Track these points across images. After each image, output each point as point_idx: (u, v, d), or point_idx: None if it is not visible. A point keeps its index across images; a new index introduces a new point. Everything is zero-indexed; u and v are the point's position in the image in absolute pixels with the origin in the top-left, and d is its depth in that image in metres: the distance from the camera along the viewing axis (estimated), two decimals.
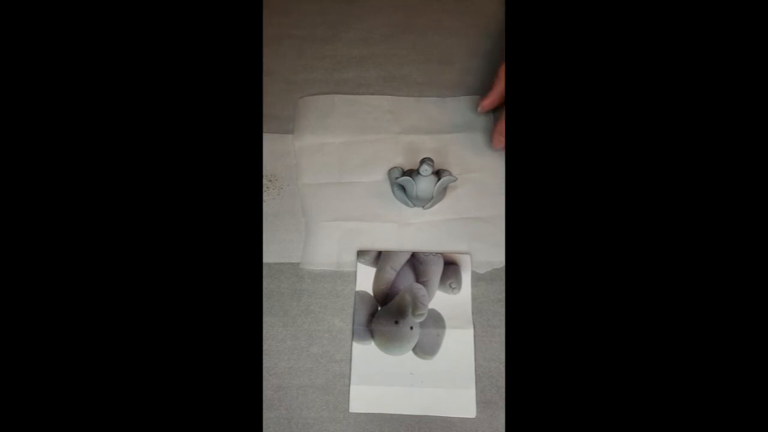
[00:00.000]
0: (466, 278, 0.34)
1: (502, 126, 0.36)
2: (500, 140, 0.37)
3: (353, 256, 0.35)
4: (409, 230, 0.36)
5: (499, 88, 0.37)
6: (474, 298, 0.33)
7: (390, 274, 0.34)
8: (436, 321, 0.32)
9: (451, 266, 0.34)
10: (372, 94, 0.41)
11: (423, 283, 0.33)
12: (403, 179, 0.34)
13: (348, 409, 0.30)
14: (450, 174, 0.34)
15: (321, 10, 0.45)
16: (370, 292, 0.33)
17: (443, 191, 0.36)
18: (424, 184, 0.33)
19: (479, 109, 0.38)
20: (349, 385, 0.31)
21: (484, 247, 0.35)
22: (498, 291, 0.33)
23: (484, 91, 0.41)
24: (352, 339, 0.32)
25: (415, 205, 0.36)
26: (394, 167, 0.37)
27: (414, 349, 0.32)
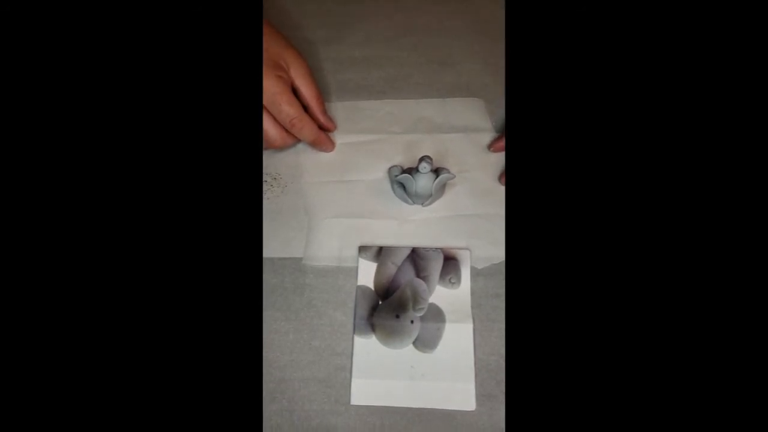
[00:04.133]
0: (466, 273, 0.34)
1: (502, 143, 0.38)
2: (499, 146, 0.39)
3: (355, 251, 0.35)
4: (409, 227, 0.36)
5: None
6: (473, 293, 0.34)
7: (391, 269, 0.34)
8: (436, 315, 0.33)
9: (450, 261, 0.34)
10: (374, 94, 0.42)
11: (423, 278, 0.34)
12: (402, 176, 0.34)
13: (349, 402, 0.31)
14: (448, 172, 0.34)
15: (324, 12, 0.47)
16: (372, 287, 0.34)
17: (442, 188, 0.37)
18: (423, 181, 0.34)
19: (492, 148, 0.39)
20: (350, 378, 0.31)
21: (482, 243, 0.35)
22: (496, 286, 0.34)
23: (482, 92, 0.42)
24: (354, 332, 0.33)
25: (414, 203, 0.37)
26: (394, 165, 0.37)
27: (414, 343, 0.32)
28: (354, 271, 0.35)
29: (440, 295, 0.33)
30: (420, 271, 0.34)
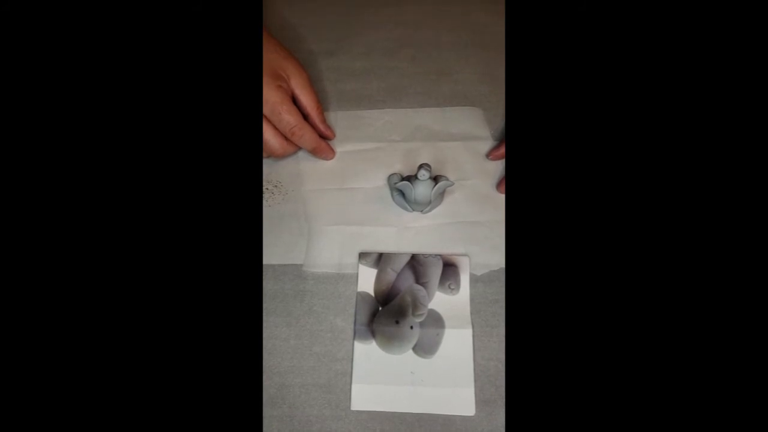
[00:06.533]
0: (465, 279, 0.35)
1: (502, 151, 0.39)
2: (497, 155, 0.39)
3: (355, 258, 0.36)
4: (409, 234, 0.37)
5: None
6: (472, 299, 0.34)
7: (391, 276, 0.35)
8: (436, 321, 0.33)
9: (450, 268, 0.35)
10: (373, 103, 0.43)
11: (423, 284, 0.34)
12: (402, 184, 0.35)
13: (349, 407, 0.31)
14: (447, 179, 0.35)
15: (326, 25, 0.48)
16: (372, 293, 0.34)
17: (440, 196, 0.37)
18: (422, 188, 0.34)
19: (490, 157, 0.40)
20: (350, 384, 0.32)
21: (481, 250, 0.36)
22: (495, 292, 0.34)
23: (480, 101, 0.43)
24: (354, 338, 0.33)
25: (414, 210, 0.37)
26: (394, 173, 0.38)
27: (414, 349, 0.32)
28: (354, 278, 0.35)
29: (440, 301, 0.34)
30: (419, 278, 0.35)
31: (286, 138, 0.37)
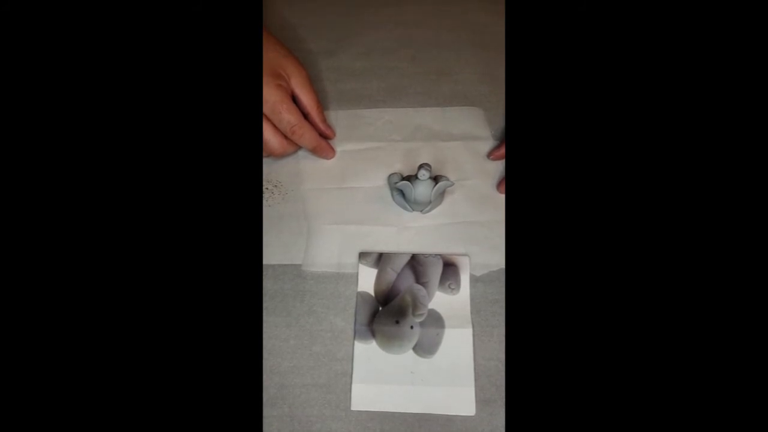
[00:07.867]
0: (465, 279, 0.35)
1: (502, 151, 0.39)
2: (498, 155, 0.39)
3: (355, 258, 0.36)
4: (409, 234, 0.37)
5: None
6: (472, 299, 0.34)
7: (391, 276, 0.35)
8: (436, 321, 0.33)
9: (450, 268, 0.35)
10: (373, 103, 0.43)
11: (423, 284, 0.34)
12: (402, 183, 0.35)
13: (349, 407, 0.31)
14: (447, 179, 0.35)
15: (326, 25, 0.48)
16: (372, 293, 0.34)
17: (441, 196, 0.37)
18: (422, 188, 0.34)
19: (491, 157, 0.40)
20: (350, 384, 0.32)
21: (481, 250, 0.36)
22: (495, 292, 0.34)
23: (480, 101, 0.43)
24: (354, 338, 0.33)
25: (413, 210, 0.37)
26: (394, 173, 0.38)
27: (414, 348, 0.32)
28: (354, 278, 0.35)
29: (440, 301, 0.34)
30: (419, 277, 0.35)
31: (286, 137, 0.37)
